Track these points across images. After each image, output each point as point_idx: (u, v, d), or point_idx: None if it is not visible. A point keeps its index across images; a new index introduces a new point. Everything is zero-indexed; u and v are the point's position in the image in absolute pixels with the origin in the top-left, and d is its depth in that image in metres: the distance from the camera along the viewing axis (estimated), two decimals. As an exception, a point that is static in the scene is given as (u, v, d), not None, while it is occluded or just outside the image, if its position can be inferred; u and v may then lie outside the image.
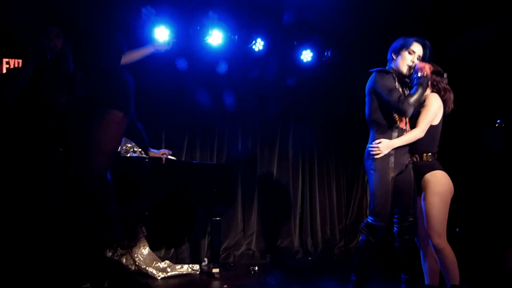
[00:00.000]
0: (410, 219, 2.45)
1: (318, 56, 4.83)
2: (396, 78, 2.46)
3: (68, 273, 1.52)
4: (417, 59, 2.47)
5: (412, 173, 2.48)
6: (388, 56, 2.57)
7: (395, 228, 2.49)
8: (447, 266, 2.36)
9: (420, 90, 2.33)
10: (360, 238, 2.45)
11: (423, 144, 2.49)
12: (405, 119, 2.48)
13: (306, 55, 4.80)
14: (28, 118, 1.70)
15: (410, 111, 2.33)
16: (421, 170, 2.48)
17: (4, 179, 1.51)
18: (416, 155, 2.52)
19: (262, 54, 4.55)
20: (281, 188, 4.85)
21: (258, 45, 4.49)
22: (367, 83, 2.52)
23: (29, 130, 1.56)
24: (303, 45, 4.76)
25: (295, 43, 4.73)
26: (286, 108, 5.01)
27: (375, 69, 2.50)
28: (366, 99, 2.53)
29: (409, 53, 2.46)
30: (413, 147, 2.51)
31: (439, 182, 2.41)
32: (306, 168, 5.07)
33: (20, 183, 1.52)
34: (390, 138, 2.41)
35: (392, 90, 2.37)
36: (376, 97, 2.45)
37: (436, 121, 2.51)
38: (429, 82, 2.47)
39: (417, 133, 2.44)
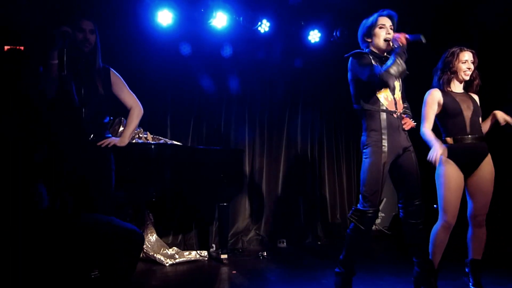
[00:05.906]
0: (417, 203, 2.40)
1: (326, 36, 4.68)
2: (377, 59, 2.40)
3: (70, 269, 1.49)
4: (390, 28, 2.42)
5: (414, 156, 2.43)
6: (361, 44, 2.52)
7: (400, 214, 2.45)
8: (483, 241, 2.56)
9: (397, 59, 2.28)
10: (349, 227, 2.38)
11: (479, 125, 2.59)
12: (393, 100, 2.40)
13: (314, 36, 4.66)
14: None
15: (392, 81, 2.28)
16: (479, 150, 2.55)
17: (4, 179, 1.47)
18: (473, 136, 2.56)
19: (268, 36, 4.43)
20: (290, 172, 4.78)
21: (264, 26, 4.37)
22: (348, 71, 2.45)
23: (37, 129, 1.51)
24: (311, 25, 4.62)
25: (302, 23, 4.58)
26: (294, 91, 4.89)
27: (350, 53, 2.43)
28: (350, 87, 2.47)
29: (380, 28, 2.42)
30: (473, 129, 2.55)
31: (491, 164, 2.59)
32: (315, 153, 4.98)
33: (20, 183, 1.48)
34: (379, 122, 2.34)
35: (369, 66, 2.32)
36: (358, 82, 2.39)
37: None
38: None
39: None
